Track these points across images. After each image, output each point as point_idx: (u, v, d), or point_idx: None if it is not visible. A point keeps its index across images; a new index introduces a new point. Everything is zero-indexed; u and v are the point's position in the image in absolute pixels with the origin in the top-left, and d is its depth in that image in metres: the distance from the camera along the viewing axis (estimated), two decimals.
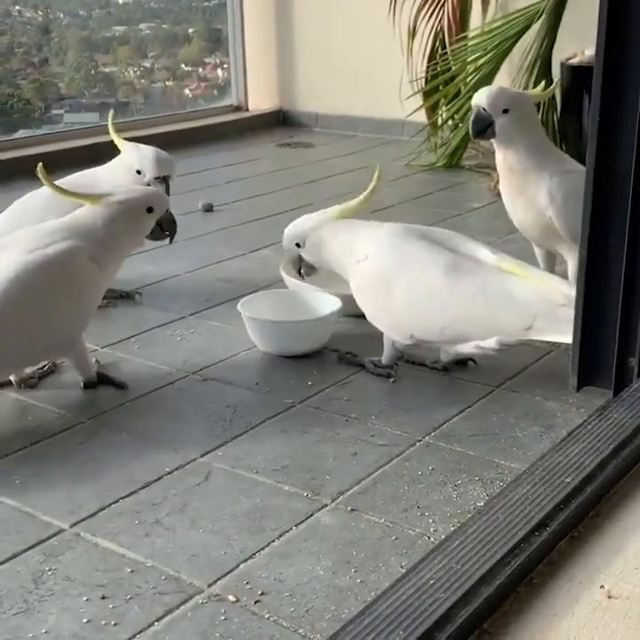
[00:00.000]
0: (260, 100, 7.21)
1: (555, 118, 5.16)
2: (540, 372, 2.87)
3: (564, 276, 3.26)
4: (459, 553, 1.72)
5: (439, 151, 5.67)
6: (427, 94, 5.69)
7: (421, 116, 5.76)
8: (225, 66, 7.45)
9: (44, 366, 2.86)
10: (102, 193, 2.78)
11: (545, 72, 5.04)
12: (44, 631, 1.78)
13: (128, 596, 1.87)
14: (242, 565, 1.96)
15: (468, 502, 2.17)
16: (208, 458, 2.39)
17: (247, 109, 7.20)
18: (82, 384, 2.77)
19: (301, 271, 2.99)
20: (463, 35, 5.57)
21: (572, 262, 3.19)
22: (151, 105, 7.34)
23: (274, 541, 2.04)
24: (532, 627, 1.62)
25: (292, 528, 2.09)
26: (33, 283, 2.54)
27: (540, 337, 2.60)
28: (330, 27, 6.74)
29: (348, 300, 2.94)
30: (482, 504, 2.11)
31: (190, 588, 1.90)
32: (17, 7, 6.79)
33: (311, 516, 2.14)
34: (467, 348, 2.70)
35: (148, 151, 3.41)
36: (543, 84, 3.81)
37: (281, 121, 7.17)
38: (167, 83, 7.57)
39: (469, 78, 5.30)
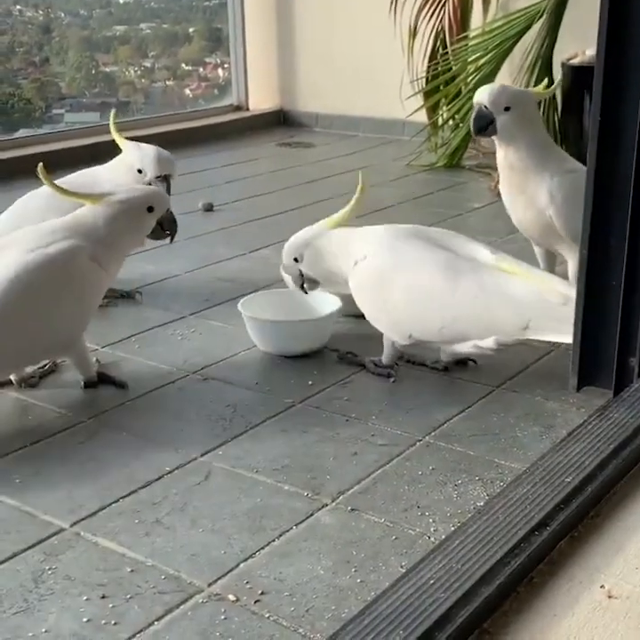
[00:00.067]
0: (261, 100, 7.21)
1: (556, 118, 5.16)
2: (540, 372, 2.87)
3: (565, 275, 3.25)
4: (459, 553, 1.72)
5: (440, 151, 5.67)
6: (427, 94, 5.69)
7: (422, 116, 5.76)
8: (225, 65, 7.45)
9: (45, 365, 2.86)
10: (103, 192, 2.78)
11: (546, 72, 5.04)
12: (44, 630, 1.78)
13: (128, 596, 1.87)
14: (242, 565, 1.96)
15: (468, 502, 2.17)
16: (208, 457, 2.39)
17: (247, 109, 7.20)
18: (82, 383, 2.78)
19: (304, 286, 2.99)
20: (464, 34, 5.57)
21: (572, 262, 3.19)
22: (152, 104, 7.35)
23: (274, 541, 2.04)
24: (532, 626, 1.62)
25: (292, 528, 2.09)
26: (34, 282, 2.54)
27: (538, 336, 2.60)
28: (330, 26, 6.74)
29: (349, 300, 2.94)
30: (482, 504, 2.11)
31: (190, 587, 1.90)
32: (18, 6, 6.79)
33: (311, 515, 2.14)
34: (465, 348, 2.70)
35: (149, 150, 3.41)
36: (546, 81, 3.80)
37: (281, 121, 7.17)
38: (168, 82, 7.57)
39: (470, 78, 5.30)
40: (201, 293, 3.56)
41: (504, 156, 3.20)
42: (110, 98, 7.17)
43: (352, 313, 3.06)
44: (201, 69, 7.66)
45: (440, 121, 5.67)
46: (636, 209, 2.37)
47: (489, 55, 5.20)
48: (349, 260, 2.80)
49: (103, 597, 1.87)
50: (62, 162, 5.46)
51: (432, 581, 1.64)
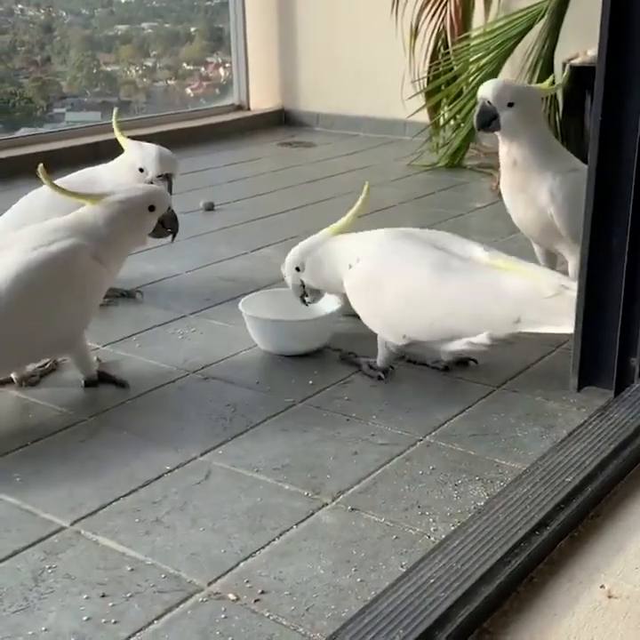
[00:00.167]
0: (262, 100, 7.21)
1: (557, 118, 5.16)
2: (540, 372, 2.87)
3: (565, 275, 3.25)
4: (459, 552, 1.72)
5: (441, 151, 5.67)
6: (429, 94, 5.68)
7: (423, 116, 5.76)
8: (227, 65, 7.45)
9: (46, 364, 2.86)
10: (103, 192, 2.78)
11: (547, 72, 5.03)
12: (43, 629, 1.78)
13: (128, 594, 1.87)
14: (242, 564, 1.96)
15: (468, 502, 2.17)
16: (208, 456, 2.39)
17: (249, 109, 7.20)
18: (83, 382, 2.78)
19: (305, 298, 3.00)
20: (465, 34, 5.57)
21: (572, 262, 3.19)
22: (153, 104, 7.35)
23: (274, 540, 2.04)
24: (532, 626, 1.62)
25: (292, 527, 2.09)
26: (35, 280, 2.54)
27: (531, 329, 2.57)
28: (332, 26, 6.74)
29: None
30: (482, 503, 2.11)
31: (190, 586, 1.90)
32: (19, 6, 6.79)
33: (311, 514, 2.14)
34: (459, 346, 2.69)
35: (151, 149, 3.41)
36: (551, 78, 3.79)
37: (282, 120, 7.17)
38: (169, 82, 7.57)
39: (471, 78, 5.30)
40: (202, 293, 3.56)
41: (507, 152, 3.19)
42: (111, 97, 7.17)
43: (353, 313, 3.05)
44: (202, 69, 7.66)
45: (441, 121, 5.67)
46: (638, 209, 2.37)
47: (490, 55, 5.20)
48: (345, 263, 2.82)
49: (103, 596, 1.87)
50: (63, 161, 5.47)
51: (432, 581, 1.64)
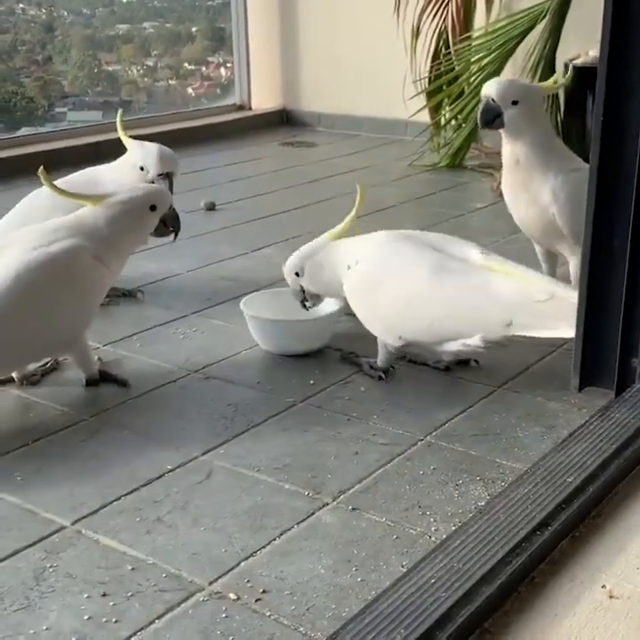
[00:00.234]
0: (264, 99, 7.21)
1: (558, 119, 5.16)
2: (541, 373, 2.87)
3: (566, 276, 3.26)
4: (460, 552, 1.73)
5: (442, 151, 5.67)
6: (430, 94, 5.68)
7: (425, 116, 5.76)
8: (228, 65, 7.45)
9: (47, 363, 2.86)
10: (103, 193, 2.78)
11: (549, 72, 5.03)
12: (44, 628, 1.78)
13: (129, 594, 1.87)
14: (243, 563, 1.96)
15: (469, 502, 2.17)
16: (209, 456, 2.39)
17: (250, 108, 7.20)
18: (84, 381, 2.78)
19: (306, 303, 3.00)
20: (467, 35, 5.57)
21: (573, 262, 3.19)
22: (154, 103, 7.35)
23: (275, 540, 2.04)
24: (534, 626, 1.62)
25: (293, 526, 2.09)
26: (36, 280, 2.54)
27: (523, 333, 2.57)
28: (334, 26, 6.74)
29: None
30: (483, 504, 2.10)
31: (191, 585, 1.90)
32: (21, 5, 6.79)
33: (312, 514, 2.14)
34: (454, 347, 2.69)
35: (152, 148, 3.41)
36: (556, 76, 3.78)
37: (284, 120, 7.17)
38: (170, 81, 7.58)
39: (473, 78, 5.30)
40: (203, 292, 3.56)
41: (510, 150, 3.18)
42: (113, 97, 7.18)
43: (353, 312, 3.05)
44: (203, 68, 7.66)
45: (443, 121, 5.67)
46: (639, 210, 2.37)
47: (492, 55, 5.20)
48: (344, 265, 2.83)
49: (104, 595, 1.87)
50: (65, 160, 5.48)
51: (433, 580, 1.64)
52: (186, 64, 7.63)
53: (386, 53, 6.22)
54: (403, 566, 1.92)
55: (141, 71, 7.42)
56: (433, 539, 2.02)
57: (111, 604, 1.84)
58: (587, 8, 4.51)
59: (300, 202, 4.87)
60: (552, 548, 1.83)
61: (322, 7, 6.79)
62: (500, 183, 3.54)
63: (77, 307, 2.65)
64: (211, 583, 1.90)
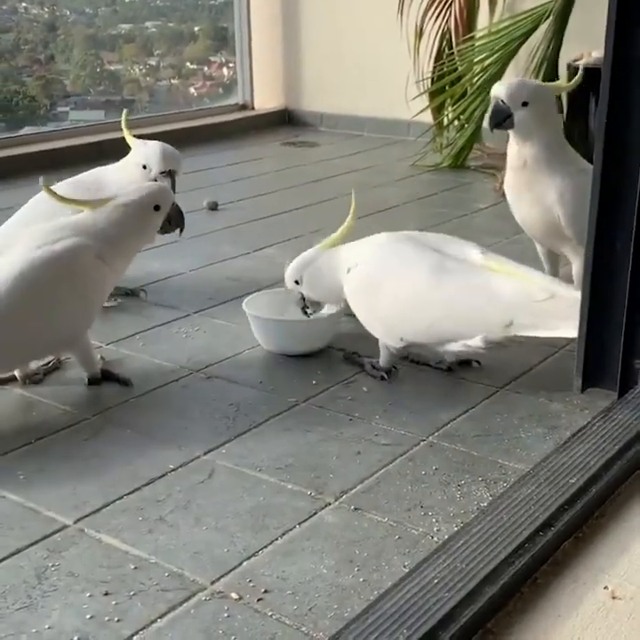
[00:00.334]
0: (266, 99, 7.21)
1: (561, 120, 5.15)
2: (544, 373, 2.87)
3: (569, 277, 3.25)
4: (463, 552, 1.73)
5: (445, 152, 5.67)
6: (433, 95, 5.68)
7: (427, 117, 5.75)
8: (230, 65, 7.45)
9: (49, 362, 2.86)
10: (104, 198, 2.77)
11: (552, 73, 5.03)
12: (47, 627, 1.78)
13: (131, 593, 1.87)
14: (245, 563, 1.96)
15: (471, 502, 2.16)
16: (212, 455, 2.39)
17: (253, 108, 7.20)
18: (86, 380, 2.78)
19: (307, 310, 3.01)
20: (470, 35, 5.57)
21: (576, 264, 3.18)
22: (156, 103, 7.35)
23: (277, 539, 2.04)
24: (536, 627, 1.62)
25: (295, 526, 2.09)
26: (39, 278, 2.55)
27: (524, 333, 2.57)
28: (336, 26, 6.74)
29: None
30: (485, 504, 2.10)
31: (193, 585, 1.90)
32: (23, 4, 6.79)
33: (314, 514, 2.14)
34: (455, 348, 2.69)
35: (154, 146, 3.41)
36: (566, 75, 3.75)
37: (286, 120, 7.17)
38: (172, 81, 7.58)
39: (476, 79, 5.30)
40: (205, 292, 3.56)
41: (518, 151, 3.16)
42: (115, 96, 7.18)
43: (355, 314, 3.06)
44: (206, 68, 7.66)
45: (445, 121, 5.66)
46: None
47: (495, 56, 5.19)
48: (344, 268, 2.84)
49: (106, 594, 1.87)
50: (67, 160, 5.50)
51: (436, 581, 1.64)
52: (188, 63, 7.63)
53: (389, 53, 6.22)
54: (405, 566, 1.92)
55: (144, 70, 7.42)
56: (435, 539, 2.02)
57: (113, 603, 1.84)
58: (590, 9, 4.51)
59: (302, 202, 4.87)
60: (555, 548, 1.83)
61: (324, 7, 6.79)
62: (502, 183, 3.54)
63: (79, 305, 2.65)
64: (213, 583, 1.90)
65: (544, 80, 4.87)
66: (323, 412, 2.62)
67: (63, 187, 3.27)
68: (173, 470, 2.32)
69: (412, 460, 2.36)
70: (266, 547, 2.02)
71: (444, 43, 5.70)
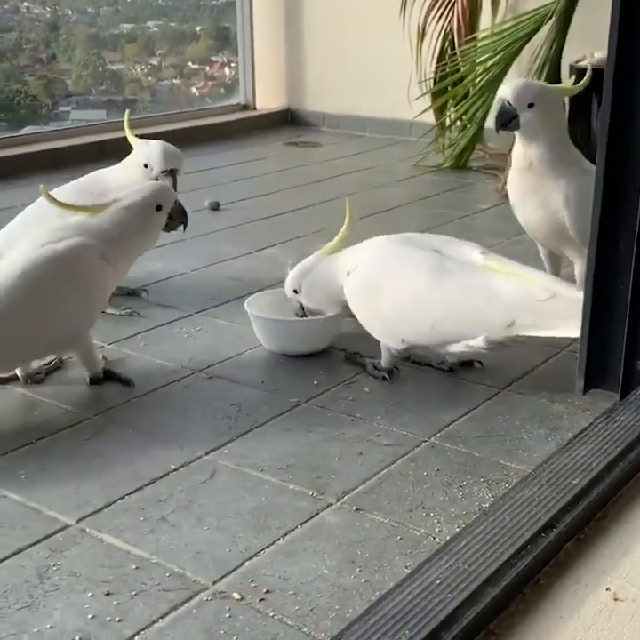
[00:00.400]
0: (268, 99, 7.21)
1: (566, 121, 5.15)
2: (545, 374, 2.86)
3: (571, 278, 3.25)
4: (465, 553, 1.72)
5: (447, 152, 5.66)
6: (435, 95, 5.68)
7: (429, 117, 5.75)
8: (232, 64, 7.45)
9: (51, 362, 2.86)
10: (104, 203, 2.77)
11: (554, 74, 5.03)
12: (48, 626, 1.78)
13: (133, 593, 1.87)
14: (247, 563, 1.96)
15: (473, 503, 2.16)
16: (213, 455, 2.39)
17: (255, 108, 7.20)
18: (88, 380, 2.78)
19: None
20: (473, 36, 5.56)
21: (579, 265, 3.18)
22: (158, 103, 7.35)
23: (279, 540, 2.04)
24: (538, 628, 1.62)
25: (297, 527, 2.09)
26: (41, 277, 2.55)
27: (526, 333, 2.57)
28: (339, 26, 6.74)
29: None
30: (487, 505, 2.10)
31: (195, 585, 1.90)
32: (25, 3, 6.80)
33: (316, 514, 2.13)
34: (457, 349, 2.69)
35: (156, 145, 3.42)
36: (574, 77, 3.74)
37: (289, 120, 7.17)
38: (174, 81, 7.58)
39: (478, 79, 5.29)
40: (207, 292, 3.56)
41: (524, 152, 3.15)
42: (117, 96, 7.18)
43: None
44: (207, 68, 7.66)
45: (447, 122, 5.66)
46: None
47: (497, 57, 5.19)
48: (343, 272, 2.84)
49: (108, 594, 1.87)
50: (68, 159, 5.51)
51: (438, 582, 1.64)
52: (190, 63, 7.63)
53: (391, 54, 6.22)
54: (406, 567, 1.92)
55: (145, 70, 7.43)
56: (437, 540, 2.02)
57: (115, 602, 1.84)
58: (593, 10, 4.51)
59: (304, 202, 4.87)
60: (557, 550, 1.83)
61: (327, 7, 6.79)
62: (505, 184, 3.53)
63: (82, 304, 2.65)
64: (214, 583, 1.90)
65: (547, 81, 4.87)
66: (324, 413, 2.62)
67: (66, 190, 3.28)
68: (175, 470, 2.32)
69: (413, 461, 2.36)
70: (268, 547, 2.01)
71: (447, 43, 5.70)
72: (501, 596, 1.65)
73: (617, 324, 2.46)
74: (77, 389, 2.76)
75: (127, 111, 3.57)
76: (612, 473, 2.04)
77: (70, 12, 7.13)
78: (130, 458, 2.37)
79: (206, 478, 2.29)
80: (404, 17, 5.70)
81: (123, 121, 3.52)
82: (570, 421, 2.55)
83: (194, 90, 7.60)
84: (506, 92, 3.12)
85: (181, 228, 2.91)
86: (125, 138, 3.49)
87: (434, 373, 2.87)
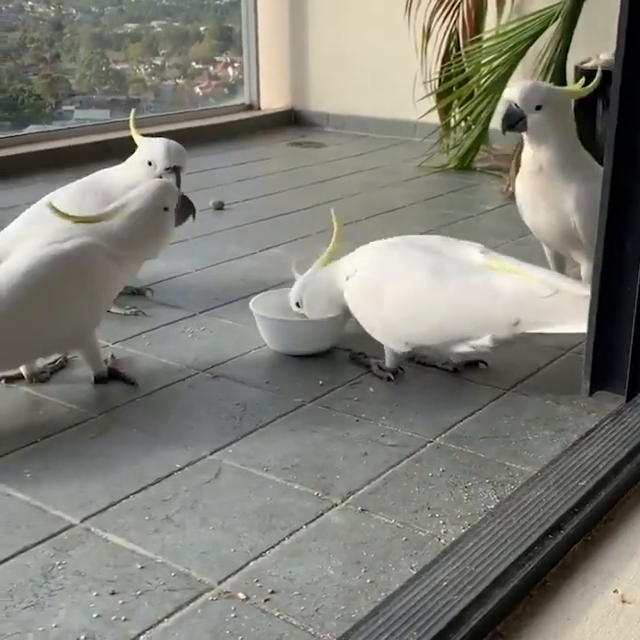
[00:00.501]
0: (272, 99, 7.20)
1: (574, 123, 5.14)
2: (551, 375, 2.86)
3: (576, 278, 3.24)
4: (472, 554, 1.72)
5: (451, 153, 5.66)
6: (440, 96, 5.67)
7: (434, 118, 5.74)
8: (236, 64, 7.45)
9: (56, 361, 2.86)
10: (110, 210, 2.76)
11: (560, 76, 5.02)
12: (54, 625, 1.77)
13: (138, 592, 1.87)
14: (252, 563, 1.96)
15: (478, 504, 2.16)
16: (218, 455, 2.39)
17: (259, 108, 7.20)
18: (93, 379, 2.77)
19: None
20: (478, 36, 5.55)
21: (585, 266, 3.17)
22: (162, 102, 7.35)
23: (284, 540, 2.04)
24: (546, 630, 1.62)
25: (302, 527, 2.08)
26: (47, 276, 2.55)
27: (531, 330, 2.56)
28: (343, 26, 6.73)
29: None
30: (492, 506, 2.10)
31: (200, 585, 1.89)
32: (30, 3, 6.80)
33: (321, 515, 2.13)
34: (462, 349, 2.68)
35: (159, 143, 3.41)
36: (583, 80, 3.72)
37: (293, 120, 7.17)
38: (178, 80, 7.58)
39: (483, 80, 5.28)
40: (212, 291, 3.55)
41: (533, 155, 3.12)
42: (120, 95, 7.18)
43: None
44: (211, 68, 7.66)
45: (452, 122, 5.66)
46: None
47: (502, 57, 5.18)
48: (343, 278, 2.84)
49: (113, 593, 1.86)
50: (72, 159, 5.50)
51: (445, 583, 1.63)
52: (194, 63, 7.63)
53: (396, 54, 6.21)
54: (412, 568, 1.91)
55: (149, 70, 7.43)
56: (442, 541, 2.01)
57: (120, 602, 1.84)
58: (598, 11, 4.51)
59: (308, 202, 4.87)
60: (564, 551, 1.82)
61: (331, 7, 6.79)
62: (509, 185, 3.52)
63: (88, 304, 2.65)
64: (220, 582, 1.90)
65: (552, 82, 4.86)
66: (329, 413, 2.62)
67: (70, 189, 3.28)
68: (180, 470, 2.31)
69: (418, 462, 2.36)
70: (273, 547, 2.01)
71: (452, 44, 5.69)
72: (508, 598, 1.64)
73: (624, 326, 2.46)
74: (82, 388, 2.76)
75: (133, 110, 3.57)
76: (619, 475, 2.03)
77: (74, 12, 7.14)
78: (134, 457, 2.37)
79: (211, 478, 2.28)
80: (408, 17, 5.69)
81: (126, 120, 3.52)
82: (575, 423, 2.54)
83: (197, 90, 7.60)
84: (513, 94, 3.09)
85: (191, 218, 2.92)
86: (129, 137, 3.49)
87: (438, 374, 2.87)
